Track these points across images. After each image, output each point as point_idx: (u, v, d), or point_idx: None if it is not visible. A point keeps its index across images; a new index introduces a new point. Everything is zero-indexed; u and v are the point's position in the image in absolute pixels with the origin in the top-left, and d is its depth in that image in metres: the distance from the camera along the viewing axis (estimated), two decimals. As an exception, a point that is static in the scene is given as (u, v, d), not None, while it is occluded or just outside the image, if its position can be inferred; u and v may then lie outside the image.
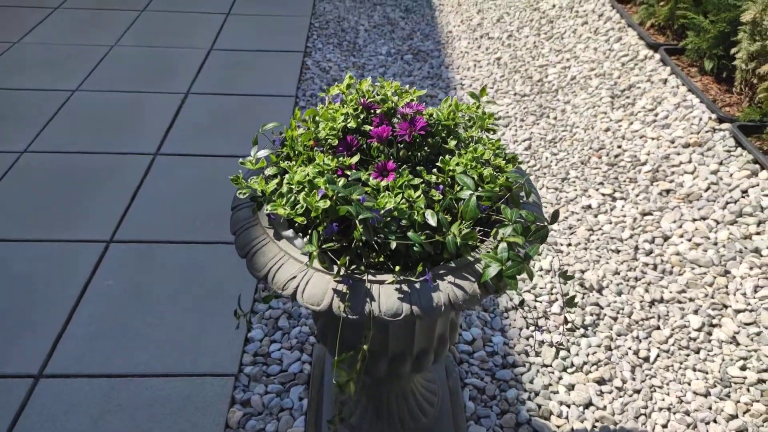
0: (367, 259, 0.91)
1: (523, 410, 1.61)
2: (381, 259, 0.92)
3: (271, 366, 1.70)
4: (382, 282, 0.89)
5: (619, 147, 2.65)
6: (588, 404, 1.64)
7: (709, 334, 1.84)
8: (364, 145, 1.01)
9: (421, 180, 0.94)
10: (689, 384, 1.70)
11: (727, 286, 1.98)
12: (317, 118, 1.02)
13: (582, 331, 1.84)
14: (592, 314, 1.90)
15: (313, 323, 1.83)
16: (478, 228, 0.94)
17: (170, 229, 2.14)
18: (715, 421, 1.61)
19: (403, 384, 1.42)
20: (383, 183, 0.92)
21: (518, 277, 0.84)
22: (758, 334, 1.82)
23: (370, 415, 1.46)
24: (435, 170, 0.96)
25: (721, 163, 2.42)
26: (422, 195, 0.91)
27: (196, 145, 2.60)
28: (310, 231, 0.94)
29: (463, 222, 0.89)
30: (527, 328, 1.85)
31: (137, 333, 1.76)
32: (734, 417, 1.61)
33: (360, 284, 0.89)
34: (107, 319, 1.80)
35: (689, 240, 2.16)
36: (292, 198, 0.92)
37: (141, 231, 2.13)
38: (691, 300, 1.94)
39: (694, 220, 2.23)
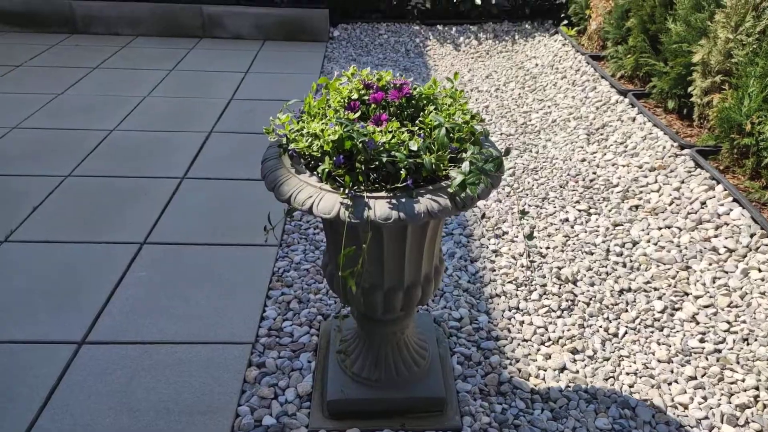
0: (366, 183, 1.21)
1: (505, 372, 1.83)
2: (376, 185, 1.21)
3: (283, 338, 1.94)
4: (377, 197, 1.18)
5: (594, 173, 2.98)
6: (563, 368, 1.86)
7: (672, 315, 2.07)
8: (364, 109, 1.33)
9: (407, 129, 1.25)
10: (654, 354, 1.92)
11: (688, 278, 2.22)
12: (328, 86, 1.35)
13: (558, 313, 2.08)
14: (567, 300, 2.14)
15: (317, 311, 2.07)
16: (450, 164, 1.24)
17: (195, 234, 2.43)
18: (676, 381, 1.81)
19: (397, 334, 1.66)
20: (378, 129, 1.23)
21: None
22: (715, 314, 2.05)
23: (369, 365, 1.69)
24: (418, 122, 1.28)
25: (682, 182, 2.73)
26: (407, 137, 1.21)
27: (218, 171, 2.95)
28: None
29: (438, 152, 1.19)
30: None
31: (166, 311, 2.01)
32: (693, 378, 1.82)
33: (360, 199, 1.18)
34: (140, 301, 2.06)
35: (655, 244, 2.42)
36: (309, 140, 1.22)
37: (170, 235, 2.42)
38: (656, 289, 2.19)
39: (660, 228, 2.51)
